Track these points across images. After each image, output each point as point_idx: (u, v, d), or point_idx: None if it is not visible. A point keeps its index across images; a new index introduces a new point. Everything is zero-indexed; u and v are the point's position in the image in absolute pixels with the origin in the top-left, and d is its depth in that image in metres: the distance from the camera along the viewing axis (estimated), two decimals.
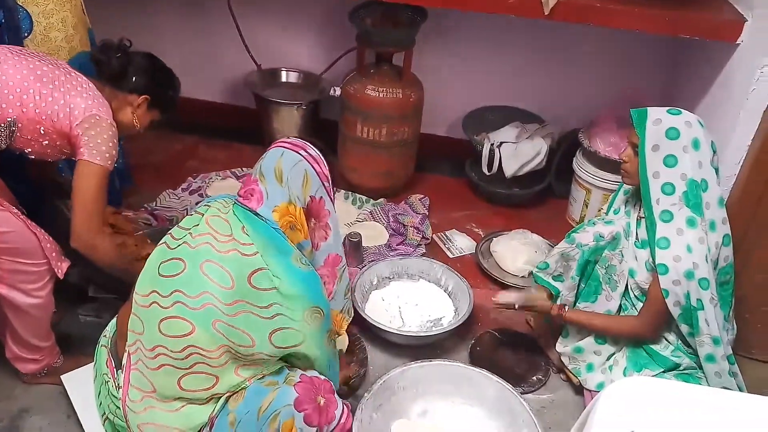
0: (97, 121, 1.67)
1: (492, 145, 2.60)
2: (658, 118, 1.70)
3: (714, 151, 1.72)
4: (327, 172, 1.49)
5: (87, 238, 1.66)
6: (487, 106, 2.84)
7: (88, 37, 2.12)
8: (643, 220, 1.82)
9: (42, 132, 1.65)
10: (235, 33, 2.79)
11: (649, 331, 1.82)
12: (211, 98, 3.11)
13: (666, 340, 1.84)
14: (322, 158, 1.49)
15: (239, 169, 2.83)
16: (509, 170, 2.60)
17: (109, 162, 1.69)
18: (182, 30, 2.89)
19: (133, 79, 1.81)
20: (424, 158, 2.86)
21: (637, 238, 1.85)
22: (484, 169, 2.66)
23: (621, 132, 2.44)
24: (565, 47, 2.69)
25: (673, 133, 1.68)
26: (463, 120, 2.79)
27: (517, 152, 2.58)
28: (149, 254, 1.41)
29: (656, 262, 1.71)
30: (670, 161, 1.69)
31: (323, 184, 1.46)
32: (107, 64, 1.79)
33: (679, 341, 1.82)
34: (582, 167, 2.55)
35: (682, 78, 2.54)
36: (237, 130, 3.04)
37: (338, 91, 2.63)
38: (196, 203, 2.54)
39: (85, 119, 1.66)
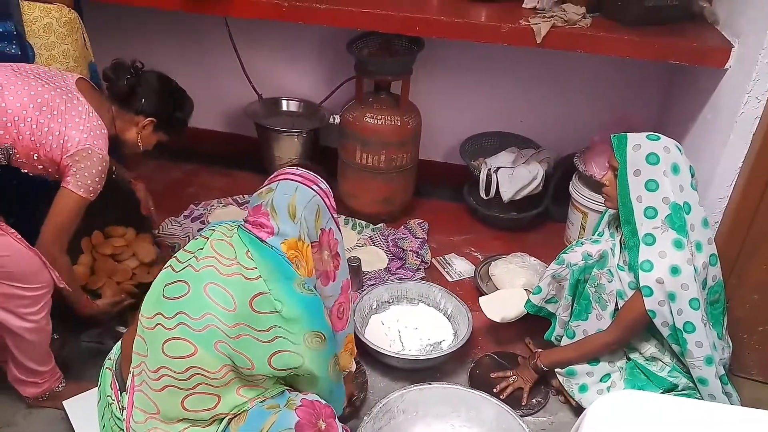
0: (89, 155, 1.71)
1: (489, 170, 2.65)
2: (637, 143, 1.75)
3: (693, 174, 1.77)
4: (334, 204, 1.52)
5: (50, 251, 1.71)
6: (483, 132, 2.89)
7: (89, 69, 2.16)
8: (625, 243, 1.86)
9: (35, 158, 1.70)
10: (236, 63, 2.86)
11: (621, 342, 1.88)
12: (212, 127, 3.17)
13: (661, 361, 1.86)
14: (330, 191, 1.52)
15: (240, 196, 2.87)
16: (507, 194, 2.64)
17: (92, 194, 1.74)
18: (184, 60, 2.96)
19: (141, 101, 1.85)
20: (422, 184, 2.91)
21: (621, 261, 1.88)
22: (482, 194, 2.70)
23: None
24: (559, 74, 2.75)
25: (653, 159, 1.73)
26: (461, 146, 2.84)
27: (514, 177, 2.62)
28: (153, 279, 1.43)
29: (640, 284, 1.74)
30: (651, 186, 1.73)
31: (332, 216, 1.49)
32: (116, 84, 1.84)
33: (675, 361, 1.84)
34: (578, 191, 2.59)
35: (674, 102, 2.59)
36: (237, 158, 3.09)
37: (337, 119, 2.68)
38: (199, 230, 2.58)
39: (76, 152, 1.70)
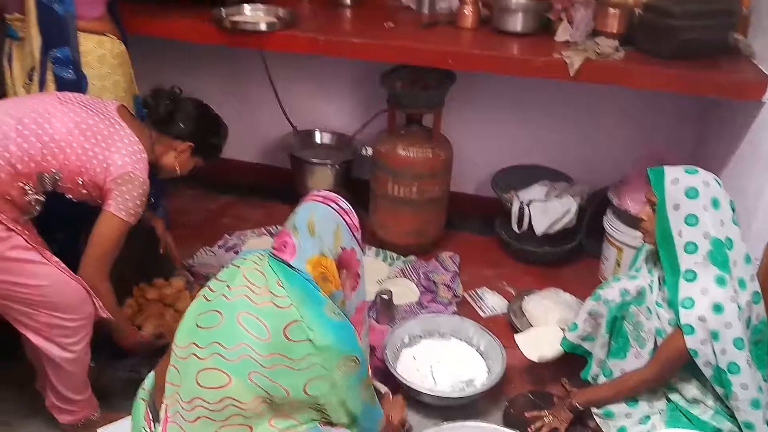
0: (131, 178, 1.75)
1: (522, 203, 2.63)
2: (675, 177, 1.71)
3: (733, 209, 1.72)
4: (357, 223, 1.52)
5: (91, 279, 1.73)
6: (515, 164, 2.88)
7: (134, 102, 2.24)
8: (663, 279, 1.81)
9: (80, 182, 1.74)
10: (273, 96, 2.91)
11: (660, 381, 1.81)
12: (248, 158, 3.23)
13: (704, 404, 1.79)
14: (352, 210, 1.53)
15: (274, 227, 2.90)
16: (539, 228, 2.61)
17: (132, 218, 1.77)
18: (223, 94, 3.03)
19: (180, 125, 1.90)
20: (454, 216, 2.90)
21: (659, 298, 1.83)
22: (515, 227, 2.67)
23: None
24: (592, 106, 2.74)
25: (692, 193, 1.69)
26: (492, 178, 2.83)
27: (547, 210, 2.60)
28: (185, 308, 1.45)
29: (681, 323, 1.69)
30: (691, 220, 1.70)
31: (354, 235, 1.49)
32: (155, 110, 1.89)
33: (718, 404, 1.77)
34: (613, 225, 2.55)
35: (710, 136, 2.56)
36: (271, 189, 3.13)
37: (370, 151, 2.70)
38: (231, 259, 2.60)
39: (119, 176, 1.74)
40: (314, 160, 2.89)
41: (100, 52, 2.07)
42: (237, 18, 2.28)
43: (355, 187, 2.90)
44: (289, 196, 3.00)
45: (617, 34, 2.22)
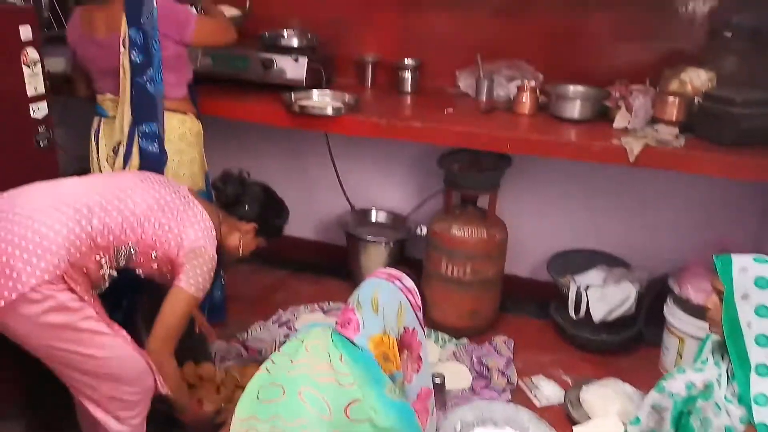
0: (202, 252, 1.81)
1: (579, 288, 2.58)
2: (744, 266, 1.66)
3: None
4: (420, 303, 1.52)
5: (158, 356, 1.75)
6: (571, 248, 2.86)
7: (204, 179, 2.35)
8: (732, 373, 1.72)
9: (153, 257, 1.80)
10: (332, 175, 3.01)
11: None
12: (305, 235, 3.29)
13: None
14: (416, 289, 1.53)
15: (326, 303, 2.91)
16: (598, 315, 2.55)
17: (201, 293, 1.81)
18: (286, 172, 3.14)
19: (246, 207, 1.99)
20: (508, 299, 2.86)
21: (729, 393, 1.74)
22: (571, 313, 2.61)
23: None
24: (649, 192, 2.72)
25: (762, 283, 1.63)
26: (548, 262, 2.80)
27: (605, 296, 2.54)
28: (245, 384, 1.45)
29: (755, 421, 1.59)
30: (762, 311, 1.63)
31: (416, 315, 1.50)
32: (224, 191, 2.00)
33: None
34: (674, 314, 2.46)
35: None
36: (325, 266, 3.17)
37: (424, 230, 2.73)
38: (285, 335, 2.62)
39: (191, 250, 1.79)
40: (369, 238, 2.93)
41: (181, 130, 2.21)
42: (305, 103, 2.40)
43: (409, 266, 2.90)
44: (342, 273, 3.05)
45: (677, 121, 2.23)
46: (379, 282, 1.47)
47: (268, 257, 3.15)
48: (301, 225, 3.24)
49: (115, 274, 1.78)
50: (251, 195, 2.02)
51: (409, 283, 1.51)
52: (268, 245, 2.11)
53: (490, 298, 2.73)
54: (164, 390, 1.74)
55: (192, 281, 1.78)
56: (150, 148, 2.14)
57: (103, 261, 1.71)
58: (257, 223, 2.01)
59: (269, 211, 2.06)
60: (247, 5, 2.61)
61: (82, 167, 2.41)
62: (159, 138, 2.15)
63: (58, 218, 1.63)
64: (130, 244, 1.75)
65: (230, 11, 2.62)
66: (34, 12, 2.10)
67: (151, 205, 1.79)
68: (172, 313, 1.77)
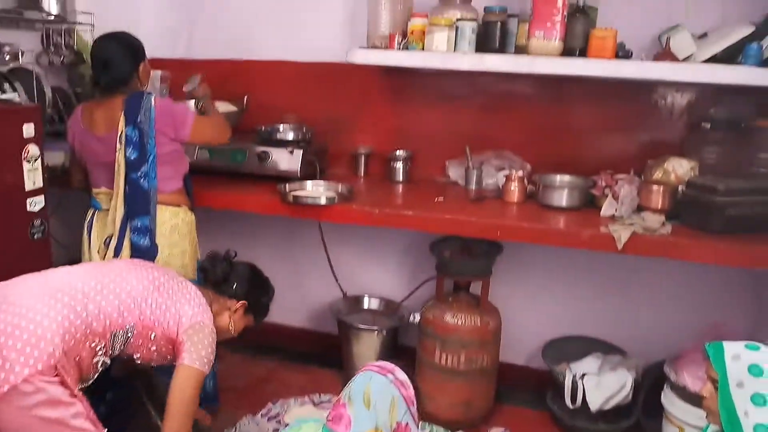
0: (201, 327, 1.82)
1: (574, 376, 2.55)
2: (736, 353, 1.66)
3: None
4: (413, 396, 1.50)
5: None
6: (565, 335, 2.84)
7: (195, 270, 2.36)
8: None
9: (152, 338, 1.80)
10: (324, 262, 3.02)
11: None
12: (296, 323, 3.26)
13: None
14: (409, 382, 1.51)
15: (317, 395, 2.84)
16: (594, 404, 2.50)
17: (207, 367, 1.81)
18: (276, 260, 3.15)
19: (234, 285, 2.02)
20: (503, 388, 2.81)
21: None
22: (567, 402, 2.56)
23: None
24: (641, 278, 2.74)
25: (756, 370, 1.62)
26: (543, 349, 2.77)
27: (601, 384, 2.50)
28: None
29: None
30: (758, 400, 1.61)
31: (409, 409, 1.47)
32: (212, 271, 2.03)
33: None
34: (672, 402, 2.42)
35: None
36: (317, 355, 3.13)
37: (417, 318, 2.71)
38: (274, 430, 2.54)
39: (190, 326, 1.81)
40: (361, 326, 2.90)
41: (173, 221, 2.24)
42: (299, 193, 2.45)
43: (402, 354, 2.88)
44: (334, 363, 3.00)
45: (662, 209, 2.28)
46: (372, 375, 1.45)
47: (258, 346, 3.12)
48: (292, 313, 3.22)
49: (108, 362, 1.76)
50: (238, 273, 2.07)
51: (402, 376, 1.49)
52: (255, 327, 2.14)
53: (484, 388, 2.68)
54: None
55: (196, 356, 1.78)
56: (141, 241, 2.17)
57: (98, 348, 1.70)
58: (246, 301, 2.04)
59: (257, 288, 2.11)
60: (245, 101, 2.71)
61: (73, 258, 2.42)
62: (150, 232, 2.18)
63: (53, 306, 1.63)
64: (128, 327, 1.75)
65: (228, 107, 2.71)
66: (39, 111, 2.18)
67: (147, 285, 1.81)
68: (181, 393, 1.76)
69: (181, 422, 1.76)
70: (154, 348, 1.81)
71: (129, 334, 1.76)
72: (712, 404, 1.71)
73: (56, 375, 1.55)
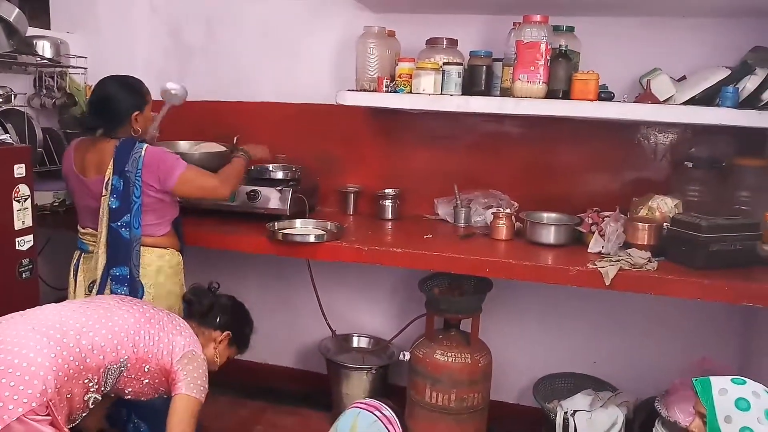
0: (194, 356, 1.84)
1: (566, 413, 2.54)
2: (723, 387, 1.67)
3: None
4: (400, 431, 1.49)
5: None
6: (556, 372, 2.84)
7: (184, 307, 2.34)
8: None
9: (146, 370, 1.80)
10: (312, 300, 3.01)
11: None
12: (284, 363, 3.24)
13: None
14: (396, 419, 1.51)
15: None
16: None
17: (203, 395, 1.82)
18: (266, 298, 3.14)
19: (218, 317, 2.05)
20: (495, 426, 2.79)
21: None
22: None
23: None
24: (630, 314, 2.76)
25: (743, 404, 1.64)
26: (534, 387, 2.76)
27: (593, 422, 2.49)
28: None
29: None
30: None
31: None
32: (197, 304, 2.05)
33: None
34: None
35: (756, 343, 2.52)
36: (305, 396, 3.10)
37: (407, 356, 2.70)
38: None
39: (183, 356, 1.82)
40: (350, 365, 2.88)
41: (159, 263, 2.23)
42: (288, 231, 2.46)
43: (392, 393, 2.86)
44: (323, 403, 2.96)
45: (648, 246, 2.32)
46: (359, 412, 1.45)
47: (244, 387, 3.08)
48: (280, 352, 3.20)
49: (99, 399, 1.75)
50: (221, 305, 2.10)
51: (388, 412, 1.49)
52: (239, 354, 2.19)
53: (476, 427, 2.65)
54: None
55: (192, 385, 1.79)
56: (119, 291, 2.16)
57: (90, 384, 1.69)
58: (231, 332, 2.07)
59: (240, 320, 2.15)
60: (234, 142, 2.75)
61: (60, 297, 2.40)
62: (131, 278, 2.16)
63: (45, 343, 1.62)
64: (122, 361, 1.74)
65: (216, 147, 2.74)
66: (30, 152, 2.19)
67: (138, 318, 1.82)
68: (180, 423, 1.75)
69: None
70: (146, 380, 1.81)
71: (122, 368, 1.76)
72: None
73: (47, 414, 1.53)
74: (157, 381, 1.83)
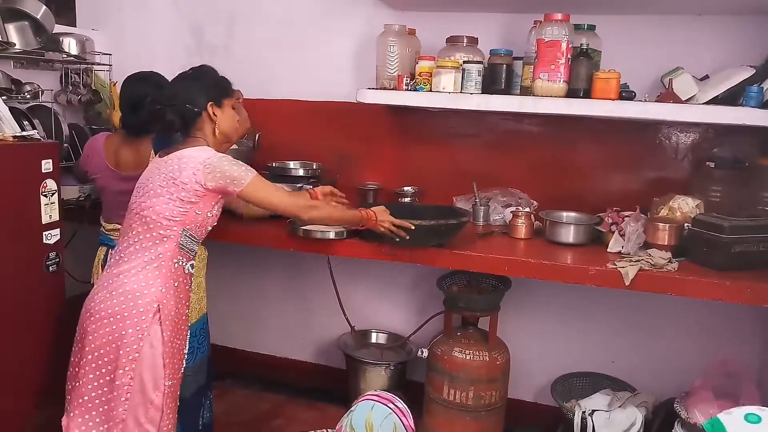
0: (212, 161, 1.84)
1: (584, 413, 2.54)
2: (736, 429, 1.64)
3: None
4: (413, 425, 1.51)
5: (303, 207, 1.99)
6: (574, 372, 2.83)
7: (206, 302, 2.38)
8: None
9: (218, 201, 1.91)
10: (332, 296, 3.03)
11: None
12: (302, 358, 3.26)
13: None
14: (408, 411, 1.52)
15: (324, 430, 2.82)
16: None
17: (251, 172, 1.86)
18: (285, 294, 3.17)
19: (186, 105, 1.92)
20: (512, 425, 2.79)
21: None
22: None
23: (719, 402, 2.34)
24: (651, 314, 2.75)
25: None
26: (552, 386, 2.76)
27: (612, 422, 2.49)
28: None
29: None
30: None
31: None
32: (162, 119, 1.94)
33: None
34: None
35: None
36: (324, 390, 3.12)
37: (425, 353, 2.71)
38: None
39: (205, 167, 1.82)
40: (369, 360, 2.90)
41: None
42: (309, 227, 2.49)
43: (410, 389, 2.87)
44: (341, 398, 2.98)
45: (669, 246, 2.30)
46: (373, 405, 1.47)
47: (264, 381, 3.12)
48: (299, 347, 3.23)
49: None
50: (176, 94, 1.94)
51: (402, 404, 1.51)
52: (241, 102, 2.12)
53: (493, 425, 2.66)
54: None
55: (238, 176, 1.83)
56: None
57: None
58: (210, 100, 1.95)
59: (196, 84, 1.98)
60: (256, 139, 2.77)
61: (85, 291, 2.44)
62: None
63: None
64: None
65: (240, 145, 2.77)
66: (57, 147, 2.24)
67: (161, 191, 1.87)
68: (266, 199, 1.89)
69: (300, 209, 1.97)
70: (211, 214, 1.91)
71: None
72: None
73: None
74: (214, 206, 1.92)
